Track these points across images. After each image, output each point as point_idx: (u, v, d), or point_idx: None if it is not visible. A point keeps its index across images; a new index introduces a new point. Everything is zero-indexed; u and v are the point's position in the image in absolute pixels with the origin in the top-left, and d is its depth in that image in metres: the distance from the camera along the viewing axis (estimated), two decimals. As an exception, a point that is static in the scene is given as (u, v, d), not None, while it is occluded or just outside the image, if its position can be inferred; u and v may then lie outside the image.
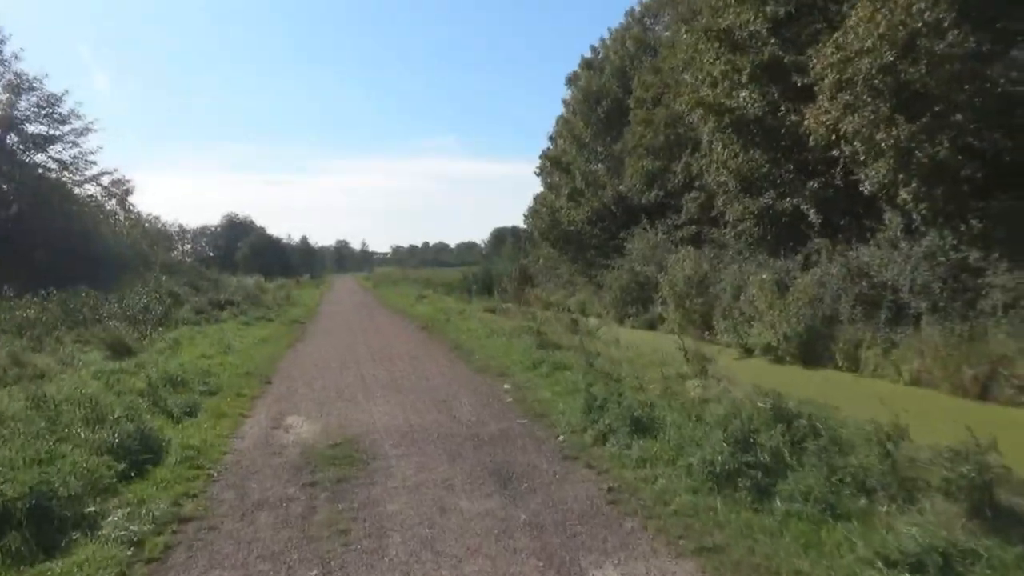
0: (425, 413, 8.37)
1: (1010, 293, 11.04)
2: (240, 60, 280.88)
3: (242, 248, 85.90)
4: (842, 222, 14.90)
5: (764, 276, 15.81)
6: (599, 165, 32.66)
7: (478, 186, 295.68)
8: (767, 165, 16.07)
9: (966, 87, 11.12)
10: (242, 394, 9.98)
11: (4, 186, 29.83)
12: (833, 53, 12.26)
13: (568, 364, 10.65)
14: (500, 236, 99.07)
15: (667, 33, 28.57)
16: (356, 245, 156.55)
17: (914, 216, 12.52)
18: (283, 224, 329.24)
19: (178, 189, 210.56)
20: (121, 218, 36.94)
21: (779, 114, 15.72)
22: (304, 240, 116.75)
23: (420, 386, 10.22)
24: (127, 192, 34.12)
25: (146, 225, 43.50)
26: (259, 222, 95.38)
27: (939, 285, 11.95)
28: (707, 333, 18.88)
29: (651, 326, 23.37)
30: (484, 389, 9.75)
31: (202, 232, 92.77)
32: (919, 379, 11.87)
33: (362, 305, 31.65)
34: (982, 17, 11.13)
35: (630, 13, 32.92)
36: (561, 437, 6.80)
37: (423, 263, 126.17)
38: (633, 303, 24.89)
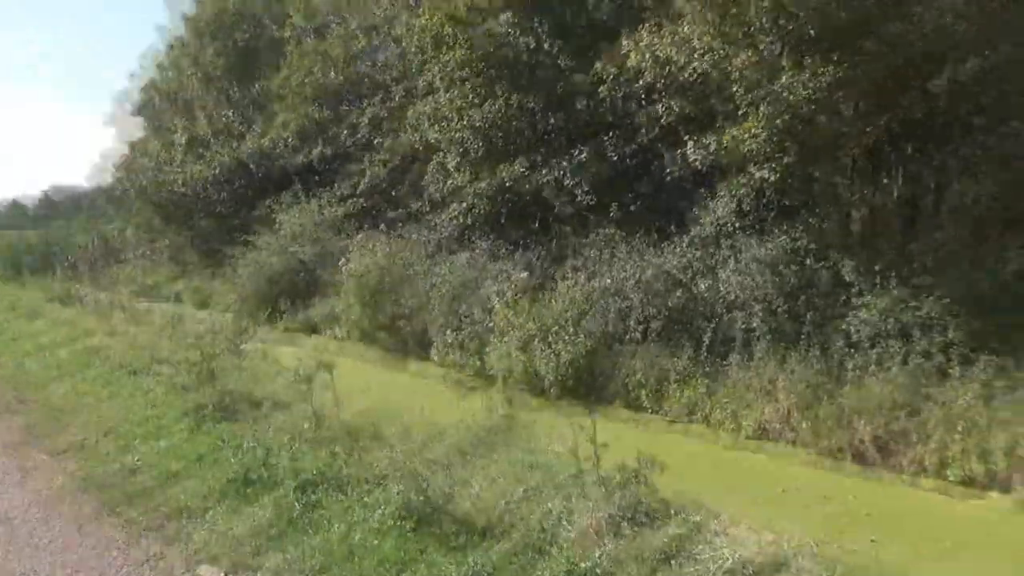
0: None
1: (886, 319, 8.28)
2: None
3: None
4: (632, 208, 11.10)
5: (523, 274, 11.29)
6: (230, 112, 24.83)
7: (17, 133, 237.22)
8: (536, 117, 11.48)
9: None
10: None
11: None
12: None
13: (316, 472, 4.52)
14: (56, 196, 78.82)
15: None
16: None
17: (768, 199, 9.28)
18: None
19: None
20: None
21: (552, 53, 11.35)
22: None
23: None
24: None
25: None
26: None
27: (797, 304, 8.83)
28: (417, 349, 13.73)
29: (314, 330, 17.36)
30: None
31: None
32: (766, 431, 8.70)
33: None
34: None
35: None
36: None
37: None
38: (284, 297, 18.48)
